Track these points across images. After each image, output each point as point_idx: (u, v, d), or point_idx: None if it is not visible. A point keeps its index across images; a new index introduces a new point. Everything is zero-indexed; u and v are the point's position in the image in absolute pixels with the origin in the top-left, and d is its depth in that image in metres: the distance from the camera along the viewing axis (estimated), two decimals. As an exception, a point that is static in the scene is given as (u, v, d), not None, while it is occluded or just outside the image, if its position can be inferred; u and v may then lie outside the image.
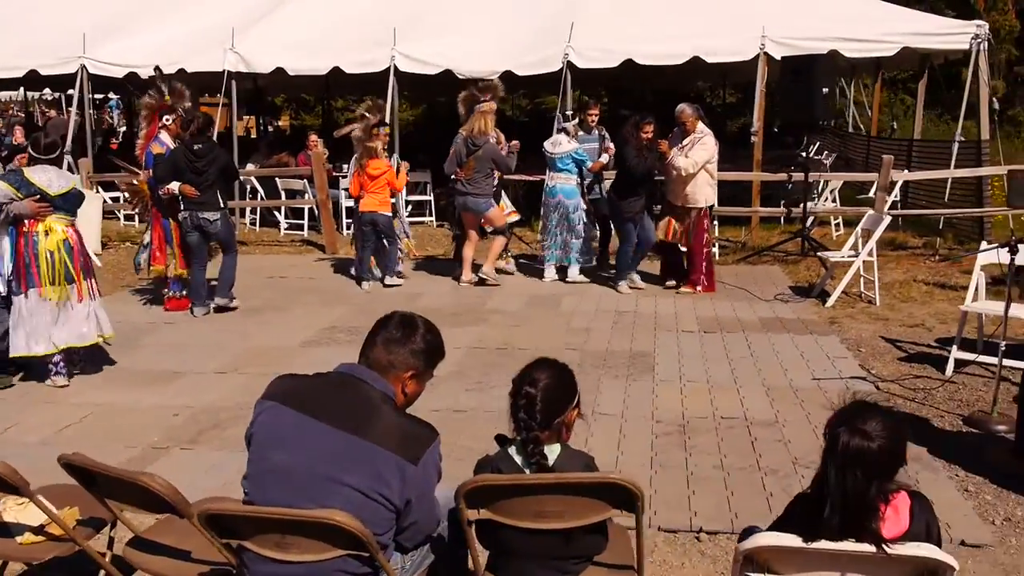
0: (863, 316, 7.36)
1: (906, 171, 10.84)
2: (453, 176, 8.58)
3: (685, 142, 7.89)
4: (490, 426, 4.80)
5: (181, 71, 11.44)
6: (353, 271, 8.88)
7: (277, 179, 12.17)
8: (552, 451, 2.37)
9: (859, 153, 15.44)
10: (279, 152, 13.79)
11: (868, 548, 1.98)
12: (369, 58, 11.82)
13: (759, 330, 6.84)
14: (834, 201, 11.60)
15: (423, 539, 2.50)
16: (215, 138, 7.91)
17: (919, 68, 12.04)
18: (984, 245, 6.02)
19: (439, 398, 5.34)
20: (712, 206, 8.21)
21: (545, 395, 2.35)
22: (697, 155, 7.76)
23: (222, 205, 7.42)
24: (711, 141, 7.86)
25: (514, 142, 8.96)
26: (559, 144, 8.61)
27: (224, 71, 11.97)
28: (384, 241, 8.58)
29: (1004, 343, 4.80)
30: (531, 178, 10.40)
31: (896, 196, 11.87)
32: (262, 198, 12.52)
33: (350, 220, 11.94)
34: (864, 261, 7.76)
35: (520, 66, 11.27)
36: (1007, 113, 25.21)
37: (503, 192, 9.16)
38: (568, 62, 11.21)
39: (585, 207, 8.68)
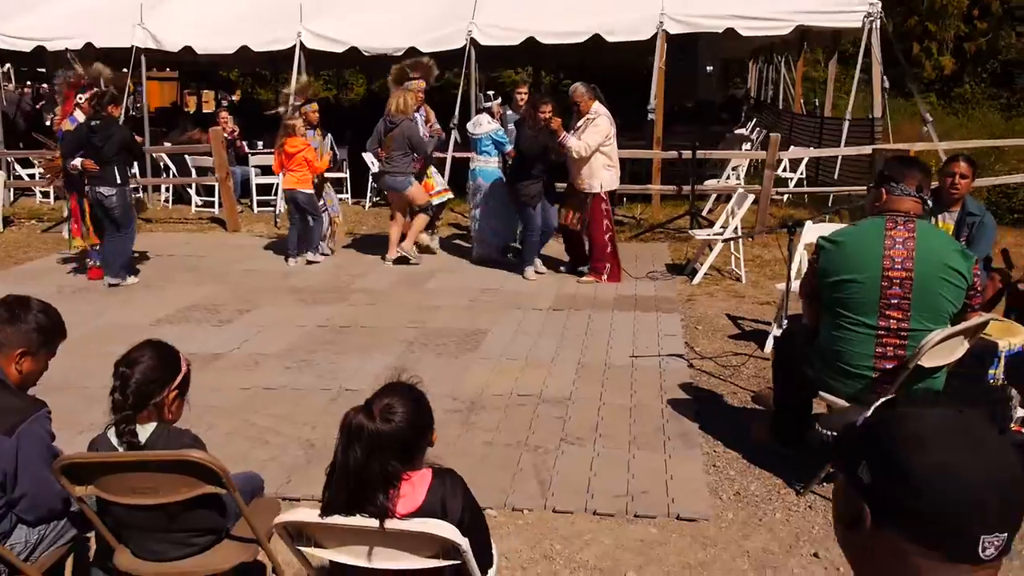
0: (723, 294, 7.43)
1: (792, 148, 10.86)
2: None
3: (579, 124, 7.57)
4: (290, 405, 4.88)
5: (88, 46, 11.38)
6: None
7: (186, 156, 12.11)
8: (145, 430, 2.42)
9: (786, 130, 15.47)
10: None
11: (372, 523, 2.03)
12: (276, 36, 11.80)
13: (608, 308, 6.90)
14: (738, 179, 11.64)
15: (48, 512, 2.55)
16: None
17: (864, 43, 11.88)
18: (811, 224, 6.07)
19: (256, 375, 5.40)
20: (614, 191, 7.95)
21: (141, 376, 2.39)
22: (590, 137, 7.36)
23: (119, 181, 7.58)
24: (605, 123, 7.41)
25: (435, 127, 8.89)
26: (479, 125, 8.51)
27: (132, 47, 11.87)
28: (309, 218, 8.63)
29: (775, 327, 4.86)
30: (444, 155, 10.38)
31: (802, 173, 11.96)
32: (174, 175, 12.46)
33: (263, 197, 11.99)
34: (734, 238, 7.83)
35: (424, 43, 11.22)
36: (955, 91, 25.30)
37: (435, 170, 9.06)
38: (471, 39, 11.23)
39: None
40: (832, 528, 3.49)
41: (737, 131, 16.24)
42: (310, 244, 8.74)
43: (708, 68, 9.03)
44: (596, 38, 10.90)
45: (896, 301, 3.46)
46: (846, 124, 10.19)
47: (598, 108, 7.46)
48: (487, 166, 8.46)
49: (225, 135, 12.02)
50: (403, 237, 8.60)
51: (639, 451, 4.23)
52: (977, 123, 22.49)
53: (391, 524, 2.03)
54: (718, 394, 5.02)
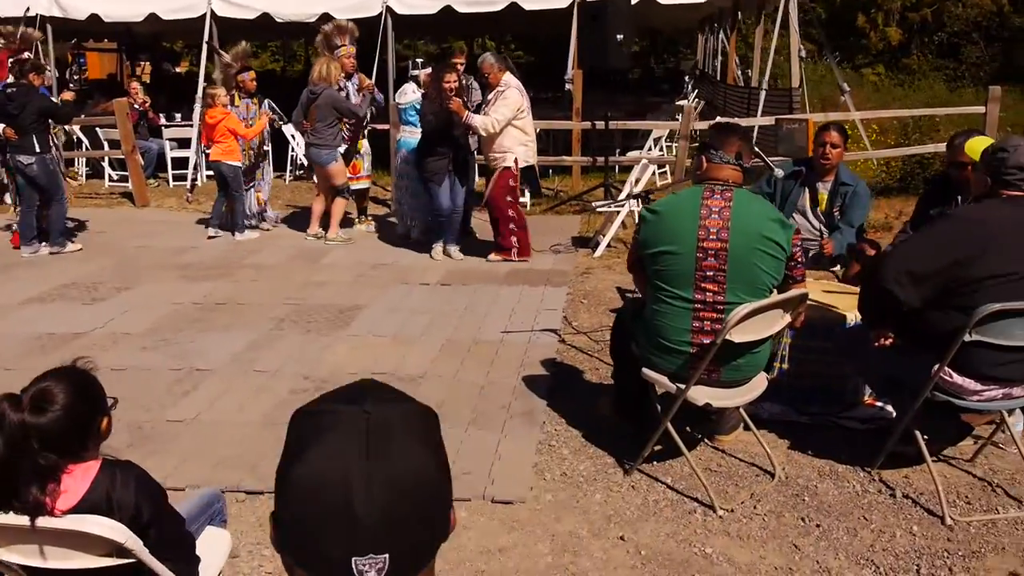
0: (621, 267, 7.24)
1: (718, 118, 10.70)
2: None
3: (489, 97, 7.22)
4: (131, 386, 4.66)
5: None
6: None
7: (98, 128, 11.72)
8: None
9: (722, 100, 15.35)
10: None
11: (23, 520, 1.85)
12: (186, 3, 11.38)
13: (497, 282, 6.74)
14: (660, 150, 11.49)
15: None
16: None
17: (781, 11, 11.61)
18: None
19: (109, 355, 5.18)
20: (531, 166, 7.51)
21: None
22: (498, 111, 6.89)
23: (38, 149, 7.52)
24: (515, 95, 6.97)
25: (367, 82, 8.43)
26: (404, 94, 8.19)
27: (37, 15, 11.42)
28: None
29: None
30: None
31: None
32: (87, 148, 12.07)
33: (180, 171, 11.63)
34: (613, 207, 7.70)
35: (338, 10, 10.86)
36: (902, 60, 25.32)
37: (367, 150, 8.60)
38: (387, 7, 10.94)
39: None
40: (646, 509, 3.40)
41: (679, 102, 16.14)
42: (236, 220, 8.44)
43: (619, 36, 8.82)
44: (513, 6, 10.66)
45: (712, 273, 3.32)
46: (762, 94, 10.04)
47: (508, 80, 7.09)
48: (412, 137, 8.01)
49: (136, 106, 11.69)
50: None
51: (476, 430, 4.08)
52: (923, 94, 22.54)
53: (43, 522, 1.85)
54: (579, 370, 4.89)
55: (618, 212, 7.76)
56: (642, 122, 11.36)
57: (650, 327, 3.50)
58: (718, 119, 4.06)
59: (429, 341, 5.37)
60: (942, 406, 3.36)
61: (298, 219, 9.08)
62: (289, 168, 12.17)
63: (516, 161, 7.04)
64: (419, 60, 8.85)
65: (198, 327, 5.72)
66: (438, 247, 7.48)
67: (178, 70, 27.91)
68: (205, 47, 11.32)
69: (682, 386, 3.36)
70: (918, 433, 3.40)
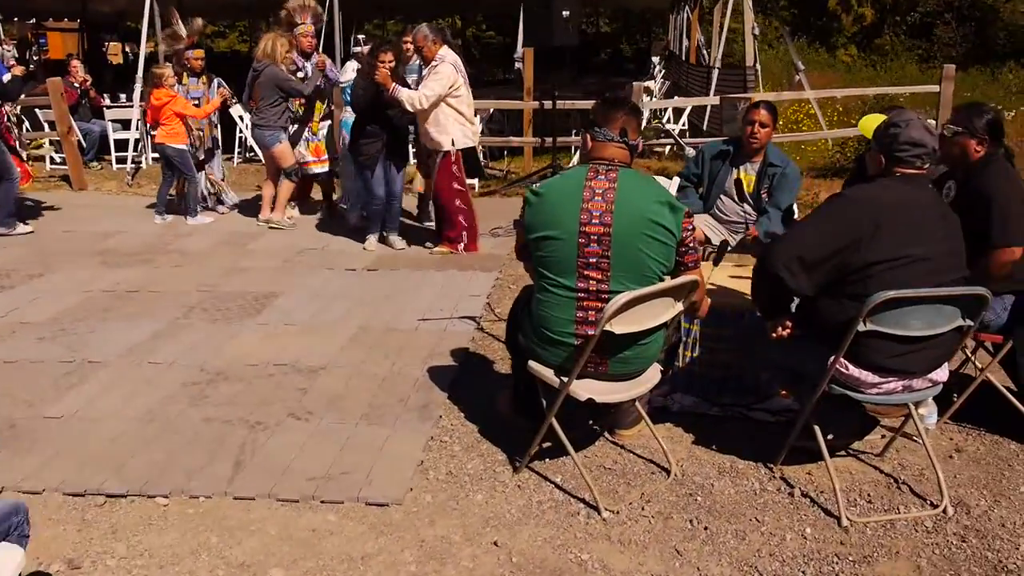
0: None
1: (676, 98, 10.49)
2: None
3: (425, 72, 6.77)
4: (16, 380, 4.41)
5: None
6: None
7: (37, 110, 11.36)
8: None
9: (684, 80, 15.13)
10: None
11: None
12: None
13: (426, 268, 6.51)
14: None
15: None
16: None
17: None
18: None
19: (6, 347, 4.92)
20: (472, 149, 6.90)
21: None
22: (427, 87, 6.41)
23: None
24: (448, 70, 6.42)
25: (320, 58, 7.95)
26: (345, 72, 7.87)
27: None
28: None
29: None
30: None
31: (684, 124, 11.62)
32: (28, 130, 11.69)
33: (122, 154, 11.30)
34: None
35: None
36: (875, 41, 25.15)
37: (325, 132, 8.13)
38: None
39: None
40: (528, 511, 3.19)
41: (646, 83, 15.92)
42: (188, 205, 8.15)
43: (564, 13, 8.56)
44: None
45: (595, 260, 3.10)
46: (715, 73, 9.81)
47: (444, 54, 6.54)
48: (352, 117, 7.56)
49: (76, 85, 11.33)
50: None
51: (367, 426, 3.86)
52: (894, 74, 22.38)
53: None
54: (490, 360, 4.67)
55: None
56: (590, 102, 11.06)
57: (535, 318, 3.28)
58: (607, 94, 3.80)
59: (341, 330, 5.13)
60: (844, 399, 3.16)
61: (253, 204, 8.73)
62: (237, 151, 11.87)
63: (453, 143, 6.61)
64: (360, 37, 8.46)
65: (102, 316, 5.46)
66: (372, 237, 7.10)
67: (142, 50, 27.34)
68: (145, 23, 11.00)
69: (566, 380, 3.14)
70: (818, 428, 3.20)
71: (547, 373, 3.25)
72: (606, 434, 3.76)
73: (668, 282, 3.09)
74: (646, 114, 13.87)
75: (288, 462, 3.52)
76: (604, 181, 3.12)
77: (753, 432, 3.78)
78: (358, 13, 18.50)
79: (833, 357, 3.01)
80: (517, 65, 10.11)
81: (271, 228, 7.83)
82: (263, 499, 3.27)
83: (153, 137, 8.53)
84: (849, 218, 2.97)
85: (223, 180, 8.73)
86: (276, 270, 6.50)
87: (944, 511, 3.14)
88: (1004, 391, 3.70)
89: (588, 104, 10.90)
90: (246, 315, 5.43)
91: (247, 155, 11.93)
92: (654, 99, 11.24)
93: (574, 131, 9.08)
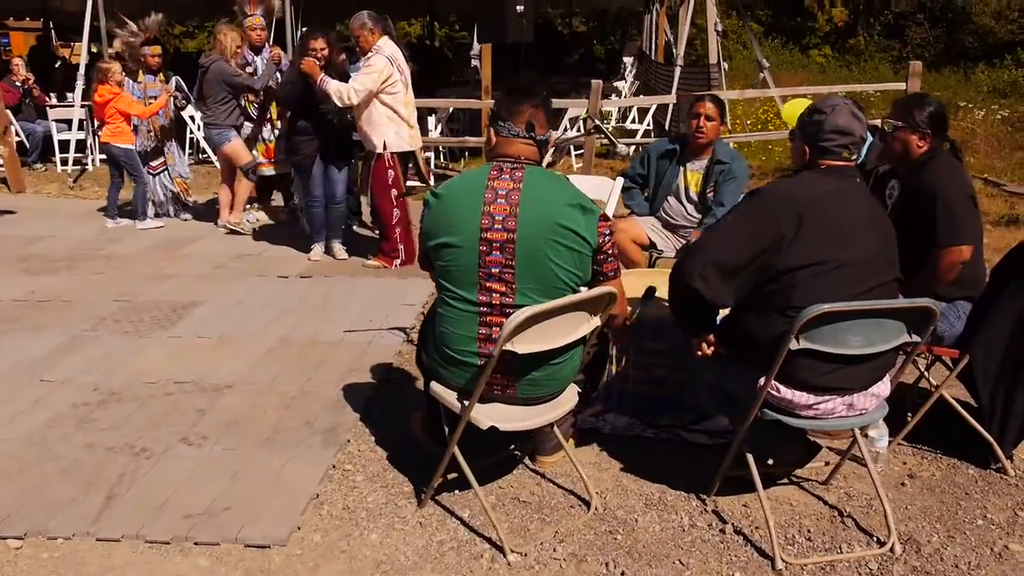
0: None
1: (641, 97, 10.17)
2: None
3: (360, 64, 6.21)
4: None
5: None
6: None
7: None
8: None
9: (653, 79, 14.82)
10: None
11: None
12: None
13: (363, 274, 6.14)
14: (578, 130, 10.91)
15: None
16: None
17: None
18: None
19: None
20: (409, 152, 6.21)
21: None
22: (359, 80, 5.82)
23: None
24: (380, 64, 5.78)
25: (274, 51, 7.39)
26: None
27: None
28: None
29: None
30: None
31: (649, 124, 11.31)
32: (-32, 131, 11.21)
33: (66, 155, 10.86)
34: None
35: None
36: (848, 42, 24.99)
37: (264, 136, 7.59)
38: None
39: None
40: (426, 553, 2.83)
41: (617, 83, 15.64)
42: (137, 208, 7.73)
43: (519, 8, 8.23)
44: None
45: (497, 270, 2.75)
46: (677, 71, 9.50)
47: (382, 45, 5.90)
48: None
49: (18, 84, 10.89)
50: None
51: (264, 452, 3.49)
52: (868, 75, 22.22)
53: None
54: (413, 376, 4.30)
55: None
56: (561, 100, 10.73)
57: (436, 335, 2.92)
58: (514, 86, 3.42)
59: (258, 342, 4.76)
60: (779, 423, 2.82)
61: (211, 207, 8.26)
62: (188, 151, 11.42)
63: (385, 146, 5.96)
64: (303, 30, 7.99)
65: (6, 328, 5.05)
66: (317, 246, 6.56)
67: (111, 51, 26.77)
68: (88, 20, 10.58)
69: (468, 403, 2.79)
70: (751, 457, 2.86)
71: (449, 396, 2.90)
72: (527, 460, 3.40)
73: (576, 295, 2.73)
74: (613, 113, 13.62)
75: (167, 496, 3.15)
76: (508, 181, 2.77)
77: (689, 457, 3.45)
78: (329, 10, 18.11)
79: (763, 379, 2.67)
80: (474, 63, 9.71)
81: (230, 232, 7.39)
82: (129, 540, 2.89)
83: (99, 137, 8.10)
84: (769, 216, 2.63)
85: (186, 182, 8.23)
86: (203, 277, 6.11)
87: (891, 549, 2.80)
88: (961, 411, 3.37)
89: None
90: (159, 327, 5.04)
91: (199, 156, 11.52)
92: (613, 98, 10.94)
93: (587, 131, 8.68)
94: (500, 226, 2.72)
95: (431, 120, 10.60)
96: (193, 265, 6.44)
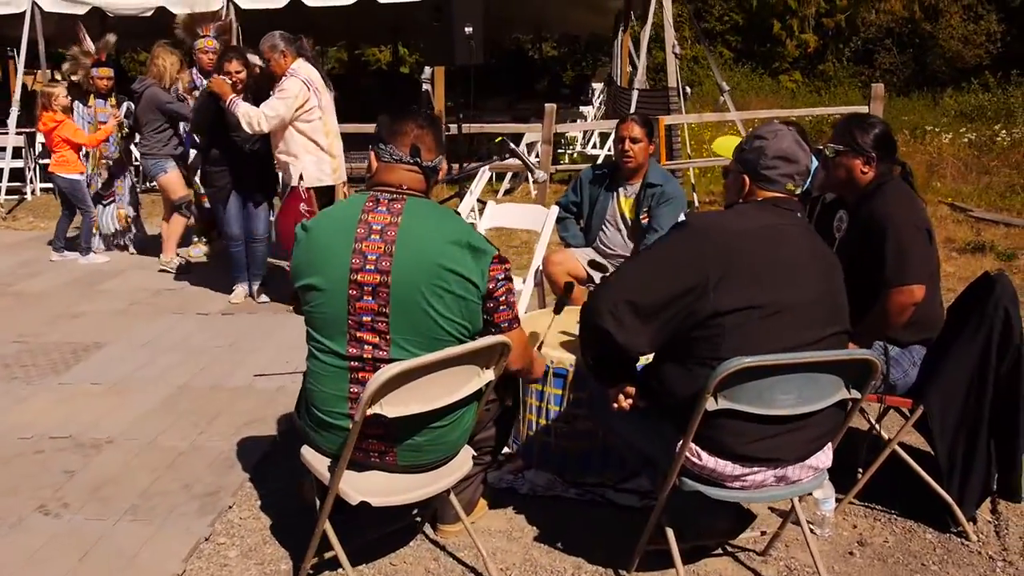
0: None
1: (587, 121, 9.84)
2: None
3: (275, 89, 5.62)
4: None
5: None
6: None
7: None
8: None
9: (617, 103, 14.56)
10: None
11: None
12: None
13: (286, 312, 5.70)
14: (536, 156, 10.58)
15: None
16: None
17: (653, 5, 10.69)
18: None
19: None
20: (330, 187, 5.54)
21: None
22: (270, 105, 5.25)
23: None
24: (294, 88, 5.23)
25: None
26: None
27: None
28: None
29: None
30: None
31: (609, 149, 10.99)
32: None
33: (16, 184, 10.38)
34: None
35: (176, 3, 9.83)
36: (818, 67, 24.97)
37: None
38: (230, 1, 9.89)
39: None
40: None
41: (584, 108, 15.41)
42: (81, 241, 7.24)
43: (467, 29, 7.86)
44: (365, 2, 9.68)
45: (369, 319, 2.35)
46: (634, 94, 9.20)
47: (297, 68, 5.37)
48: None
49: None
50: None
51: (128, 522, 3.05)
52: (838, 100, 22.15)
53: None
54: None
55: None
56: (503, 124, 10.43)
57: (307, 392, 2.51)
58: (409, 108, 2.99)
59: (155, 389, 4.32)
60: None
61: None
62: (137, 180, 10.97)
63: (301, 178, 5.33)
64: (210, 51, 7.46)
65: None
66: (239, 287, 5.93)
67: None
68: (25, 44, 10.17)
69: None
70: (671, 532, 2.46)
71: (319, 464, 2.49)
72: (427, 528, 2.99)
73: (454, 348, 2.33)
74: (579, 137, 13.32)
75: (1, 579, 2.70)
76: (385, 214, 2.38)
77: (616, 521, 3.05)
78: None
79: (680, 443, 2.28)
80: (425, 87, 9.35)
81: (160, 271, 6.89)
82: (-57, 639, 2.44)
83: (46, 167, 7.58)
84: (693, 252, 2.26)
85: (136, 214, 7.72)
86: (116, 315, 5.66)
87: (834, 638, 2.41)
88: (917, 468, 3.00)
89: (495, 128, 10.32)
90: (52, 372, 4.59)
91: (147, 184, 11.06)
92: (568, 123, 10.63)
93: (475, 157, 8.34)
94: (372, 267, 2.33)
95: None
96: (109, 301, 5.99)
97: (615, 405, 2.51)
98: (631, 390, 2.49)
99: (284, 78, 5.34)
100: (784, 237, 2.29)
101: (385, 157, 2.46)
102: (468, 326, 2.39)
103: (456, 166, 8.58)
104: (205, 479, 3.38)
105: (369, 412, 2.20)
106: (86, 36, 7.73)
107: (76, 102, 7.38)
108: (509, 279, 2.43)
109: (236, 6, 9.92)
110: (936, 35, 23.14)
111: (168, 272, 6.84)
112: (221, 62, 5.54)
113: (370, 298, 2.33)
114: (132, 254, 7.50)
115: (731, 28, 26.85)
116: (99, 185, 7.40)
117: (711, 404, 2.18)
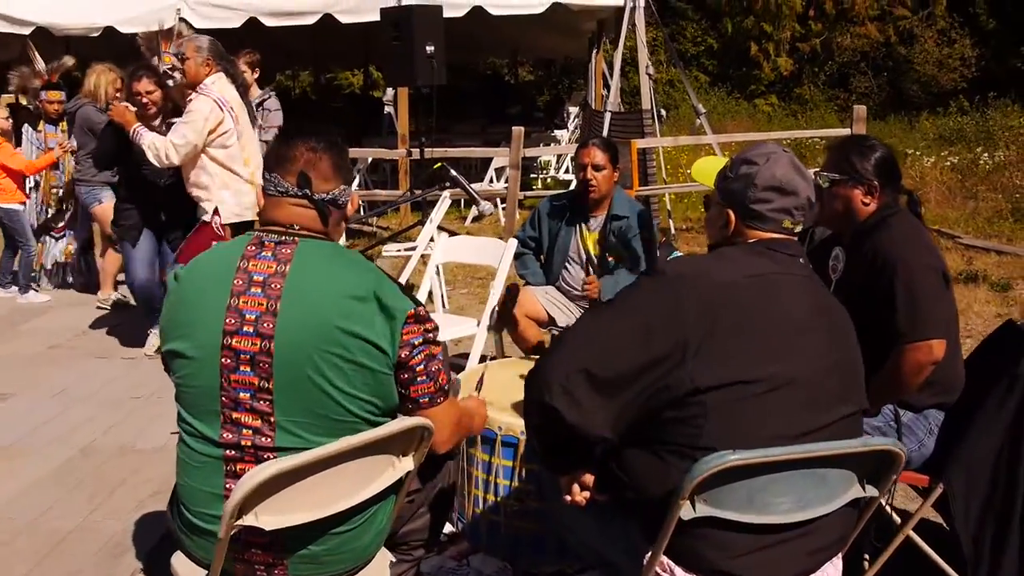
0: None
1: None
2: None
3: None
4: None
5: None
6: None
7: None
8: None
9: (591, 127, 14.17)
10: None
11: None
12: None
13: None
14: (506, 182, 10.12)
15: None
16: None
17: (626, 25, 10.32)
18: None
19: None
20: (249, 222, 4.66)
21: None
22: (179, 131, 4.50)
23: None
24: (204, 109, 4.48)
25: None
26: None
27: None
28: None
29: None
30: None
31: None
32: None
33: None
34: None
35: (124, 21, 9.34)
36: (795, 91, 24.81)
37: None
38: (182, 19, 9.36)
39: None
40: None
41: (559, 132, 15.08)
42: (19, 276, 6.64)
43: (428, 48, 7.40)
44: (327, 18, 9.23)
45: (248, 395, 1.82)
46: (607, 116, 8.76)
47: (209, 85, 4.56)
48: None
49: None
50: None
51: (-19, 635, 2.48)
52: (815, 124, 21.95)
53: None
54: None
55: (410, 256, 6.26)
56: (471, 148, 9.97)
57: (178, 487, 1.97)
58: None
59: (54, 452, 3.77)
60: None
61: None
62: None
63: (217, 212, 4.59)
64: (167, 69, 6.93)
65: None
66: (153, 335, 5.14)
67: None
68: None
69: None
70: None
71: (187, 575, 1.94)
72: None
73: (351, 439, 1.80)
74: (552, 162, 12.88)
75: None
76: (270, 261, 1.86)
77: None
78: (267, 61, 17.32)
79: (649, 555, 1.76)
80: (387, 109, 8.86)
81: (98, 307, 6.30)
82: None
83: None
84: (668, 309, 1.73)
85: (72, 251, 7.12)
86: (30, 361, 5.10)
87: None
88: (937, 559, 2.50)
89: (461, 152, 9.84)
90: (-61, 431, 4.01)
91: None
92: (541, 147, 10.21)
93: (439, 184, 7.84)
94: (251, 329, 1.81)
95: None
96: (26, 345, 5.42)
97: (567, 498, 1.98)
98: (588, 479, 1.97)
99: (192, 97, 4.60)
100: (782, 290, 1.79)
101: (269, 189, 1.94)
102: (378, 403, 1.87)
103: (410, 192, 8.11)
104: (89, 569, 2.82)
105: (239, 524, 1.67)
106: (37, 56, 7.19)
107: (26, 126, 6.84)
108: (432, 342, 1.91)
109: (188, 23, 9.41)
110: (911, 59, 23.04)
111: (104, 310, 6.26)
112: (130, 82, 4.82)
113: (248, 369, 1.81)
114: (77, 291, 6.92)
115: (705, 51, 26.69)
116: (46, 217, 6.85)
117: (687, 511, 1.67)
